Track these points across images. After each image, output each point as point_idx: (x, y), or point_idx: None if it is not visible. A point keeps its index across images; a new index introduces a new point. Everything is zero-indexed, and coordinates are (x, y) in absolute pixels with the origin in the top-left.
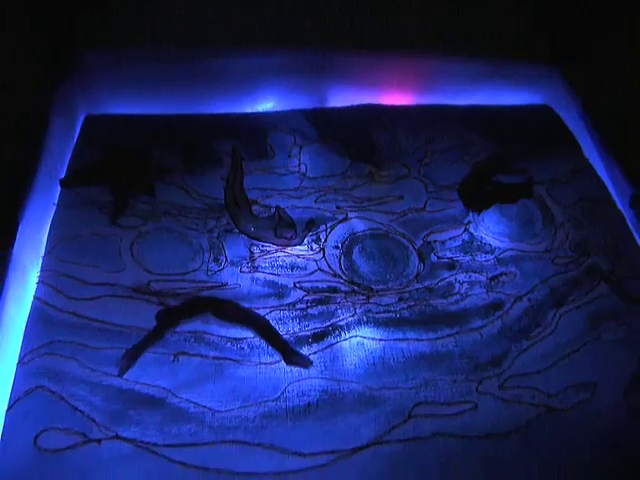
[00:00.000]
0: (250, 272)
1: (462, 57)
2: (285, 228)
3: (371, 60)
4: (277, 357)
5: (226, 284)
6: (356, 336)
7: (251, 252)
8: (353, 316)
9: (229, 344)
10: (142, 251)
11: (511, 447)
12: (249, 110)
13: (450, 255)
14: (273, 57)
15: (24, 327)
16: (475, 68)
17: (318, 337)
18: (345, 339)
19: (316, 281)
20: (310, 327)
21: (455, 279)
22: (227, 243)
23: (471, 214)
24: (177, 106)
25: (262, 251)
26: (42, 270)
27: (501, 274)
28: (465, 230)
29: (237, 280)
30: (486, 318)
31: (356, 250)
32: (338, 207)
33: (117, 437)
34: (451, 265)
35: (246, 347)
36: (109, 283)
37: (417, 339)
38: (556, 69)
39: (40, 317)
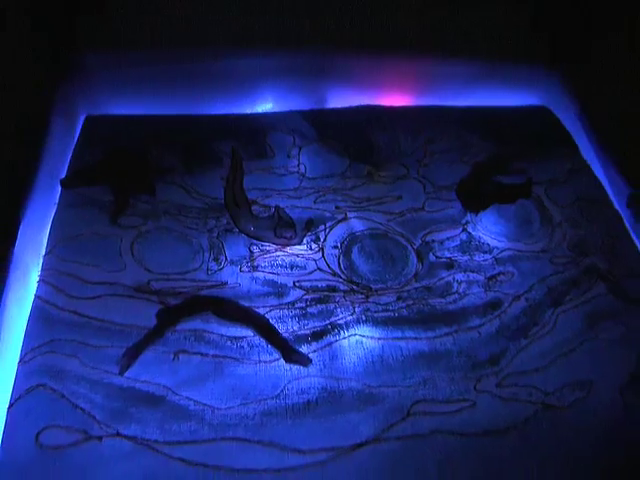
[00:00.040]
0: (250, 271)
1: (461, 58)
2: (285, 228)
3: (370, 61)
4: (277, 355)
5: (226, 283)
6: (355, 335)
7: (251, 251)
8: (352, 315)
9: (229, 342)
10: (142, 250)
11: (509, 444)
12: (249, 111)
13: (448, 255)
14: (273, 58)
15: (25, 326)
16: (474, 69)
17: (317, 336)
18: (344, 338)
19: (315, 280)
20: (309, 326)
21: (453, 278)
22: (227, 242)
23: (469, 214)
24: (177, 107)
25: (262, 250)
26: (43, 269)
27: (499, 273)
28: (463, 230)
29: (237, 279)
30: (484, 317)
31: (355, 250)
32: (337, 207)
33: (118, 434)
34: (449, 265)
35: (246, 345)
36: (110, 282)
37: (416, 338)
38: (555, 70)
39: (41, 316)
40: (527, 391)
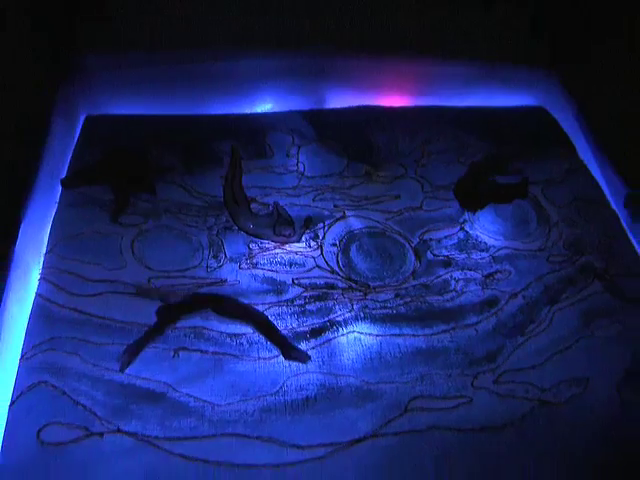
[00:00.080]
0: (249, 269)
1: (461, 59)
2: (283, 226)
3: (370, 62)
4: (276, 352)
5: (225, 281)
6: (353, 332)
7: (250, 249)
8: (350, 312)
9: (228, 339)
10: (143, 248)
11: (505, 440)
12: (248, 111)
13: (446, 253)
14: (272, 58)
15: (26, 323)
16: (472, 70)
17: (316, 333)
18: (343, 334)
19: (314, 278)
20: (308, 323)
21: (451, 276)
22: (226, 240)
23: (467, 213)
24: (177, 107)
25: (261, 248)
26: (44, 267)
27: (496, 272)
28: (461, 229)
29: (236, 277)
30: (481, 314)
31: (353, 248)
32: (336, 206)
33: (119, 431)
34: (447, 263)
35: (245, 342)
36: (110, 280)
37: (413, 335)
38: (554, 72)
39: (42, 313)
40: (524, 388)
